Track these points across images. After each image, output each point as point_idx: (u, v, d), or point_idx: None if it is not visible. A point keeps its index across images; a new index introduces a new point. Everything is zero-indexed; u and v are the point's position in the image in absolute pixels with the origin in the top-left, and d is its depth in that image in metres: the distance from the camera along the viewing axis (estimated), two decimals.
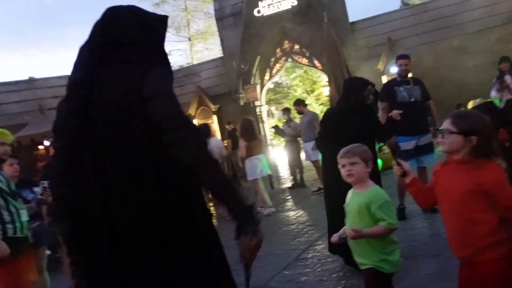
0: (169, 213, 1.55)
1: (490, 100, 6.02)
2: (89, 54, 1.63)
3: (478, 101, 11.62)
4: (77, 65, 1.65)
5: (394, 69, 10.96)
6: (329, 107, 9.19)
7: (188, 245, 1.58)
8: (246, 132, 7.29)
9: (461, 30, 13.00)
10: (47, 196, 4.24)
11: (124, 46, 1.62)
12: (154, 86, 1.53)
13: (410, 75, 5.41)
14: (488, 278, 1.92)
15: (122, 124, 1.51)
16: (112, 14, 1.66)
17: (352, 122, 3.72)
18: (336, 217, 3.34)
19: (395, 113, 4.33)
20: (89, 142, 1.56)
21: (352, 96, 3.91)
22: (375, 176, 3.60)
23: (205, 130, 7.70)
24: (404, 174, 2.25)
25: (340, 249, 3.74)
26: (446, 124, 2.05)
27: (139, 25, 1.65)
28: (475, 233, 1.98)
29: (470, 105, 11.78)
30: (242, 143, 7.31)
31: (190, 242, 1.58)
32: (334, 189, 3.58)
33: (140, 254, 1.54)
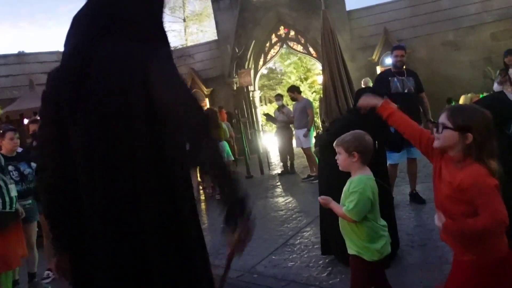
0: (149, 202, 1.49)
1: (500, 90, 6.04)
2: (90, 24, 1.56)
3: (469, 96, 11.73)
4: (76, 33, 1.57)
5: (388, 60, 10.98)
6: (320, 94, 9.18)
7: (164, 237, 1.52)
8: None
9: (456, 24, 13.02)
10: None
11: (125, 21, 1.56)
12: (159, 71, 1.47)
13: (404, 66, 5.43)
14: (456, 278, 1.91)
15: (118, 104, 1.46)
16: None
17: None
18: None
19: None
20: (80, 115, 1.50)
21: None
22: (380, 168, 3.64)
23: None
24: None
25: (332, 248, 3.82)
26: (442, 118, 1.90)
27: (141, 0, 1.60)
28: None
29: (461, 99, 11.86)
30: None
31: (167, 235, 1.52)
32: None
33: (108, 241, 1.50)
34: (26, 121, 10.21)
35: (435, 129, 1.94)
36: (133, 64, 1.47)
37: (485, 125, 1.83)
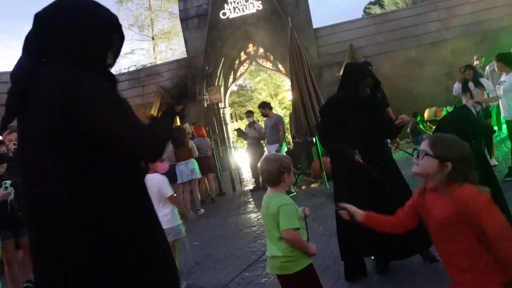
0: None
1: (463, 105, 6.29)
2: (31, 49, 1.60)
3: (433, 109, 12.17)
4: (20, 58, 1.61)
5: None
6: (290, 110, 9.30)
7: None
8: (175, 139, 7.80)
9: (418, 41, 13.53)
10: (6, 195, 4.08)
11: (58, 45, 1.57)
12: (85, 99, 1.49)
13: None
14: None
15: (43, 127, 1.51)
16: (54, 10, 1.60)
17: (351, 117, 3.50)
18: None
19: (405, 117, 3.77)
20: (21, 138, 1.60)
21: (347, 87, 3.60)
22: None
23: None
24: (352, 216, 2.18)
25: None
26: (424, 145, 1.95)
27: (80, 25, 1.58)
28: (457, 265, 1.88)
29: (426, 113, 12.30)
30: (171, 149, 7.89)
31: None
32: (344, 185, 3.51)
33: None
34: None
35: (415, 156, 1.98)
36: (57, 88, 1.50)
37: (465, 157, 1.88)
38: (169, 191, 3.97)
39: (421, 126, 12.01)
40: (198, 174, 8.15)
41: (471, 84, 7.01)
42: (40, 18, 1.60)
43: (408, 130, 11.75)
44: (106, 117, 1.50)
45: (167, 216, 3.86)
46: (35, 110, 1.52)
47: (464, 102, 6.89)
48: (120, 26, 1.72)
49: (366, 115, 3.52)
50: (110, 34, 1.68)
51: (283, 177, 2.49)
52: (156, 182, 3.84)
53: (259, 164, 2.60)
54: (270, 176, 2.52)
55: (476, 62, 9.71)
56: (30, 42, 1.60)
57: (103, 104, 1.50)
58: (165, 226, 3.58)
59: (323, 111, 3.92)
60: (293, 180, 2.60)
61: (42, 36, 1.58)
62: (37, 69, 1.55)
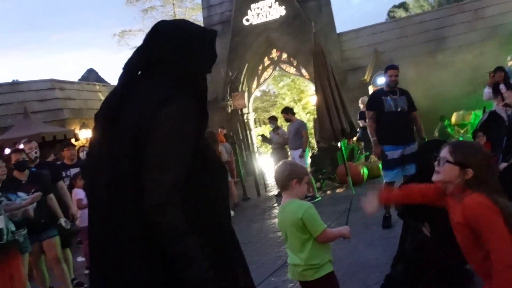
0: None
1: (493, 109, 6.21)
2: (132, 65, 1.69)
3: (461, 113, 11.89)
4: (122, 72, 1.70)
5: (380, 80, 11.13)
6: (314, 115, 9.26)
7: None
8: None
9: (444, 44, 13.27)
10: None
11: (162, 62, 1.65)
12: (156, 130, 1.50)
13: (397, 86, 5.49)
14: None
15: (128, 141, 1.54)
16: (156, 30, 1.70)
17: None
18: None
19: None
20: (108, 147, 1.60)
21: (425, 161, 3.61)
22: None
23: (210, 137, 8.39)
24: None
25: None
26: (444, 152, 1.97)
27: (179, 43, 1.67)
28: (478, 269, 1.97)
29: (454, 117, 12.04)
30: None
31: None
32: None
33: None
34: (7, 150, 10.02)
35: (436, 163, 1.99)
36: (146, 105, 1.54)
37: (486, 163, 1.91)
38: None
39: (449, 130, 11.75)
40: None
41: (502, 86, 6.81)
42: (146, 38, 1.71)
43: (436, 134, 11.52)
44: (162, 147, 1.49)
45: None
46: (123, 124, 1.57)
47: (495, 105, 6.72)
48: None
49: None
50: (209, 48, 1.82)
51: (291, 182, 2.50)
52: None
53: (275, 167, 2.64)
54: (279, 178, 2.57)
55: (510, 63, 9.46)
56: (136, 57, 1.69)
57: (170, 133, 1.50)
58: None
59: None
60: (304, 191, 2.61)
61: (146, 53, 1.68)
62: (135, 84, 1.62)
